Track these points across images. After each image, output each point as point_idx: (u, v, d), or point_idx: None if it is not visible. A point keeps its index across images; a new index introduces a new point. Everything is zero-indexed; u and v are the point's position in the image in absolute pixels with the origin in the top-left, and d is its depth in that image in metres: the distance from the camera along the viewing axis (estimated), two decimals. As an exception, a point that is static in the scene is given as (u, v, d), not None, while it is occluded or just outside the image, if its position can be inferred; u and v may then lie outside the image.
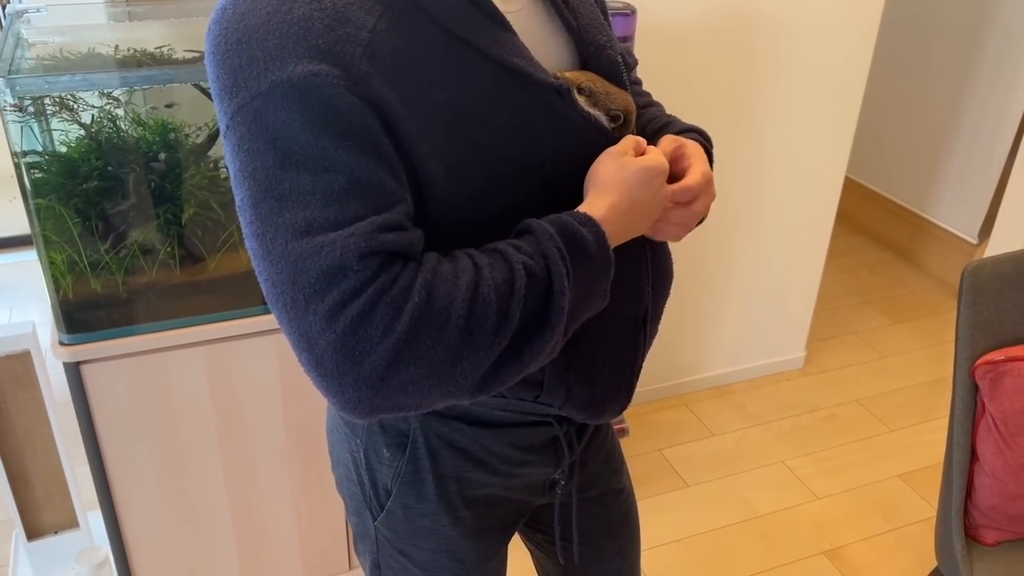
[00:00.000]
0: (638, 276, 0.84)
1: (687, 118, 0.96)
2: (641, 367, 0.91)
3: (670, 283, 0.92)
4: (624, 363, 0.87)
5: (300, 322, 0.61)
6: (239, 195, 0.64)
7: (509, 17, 0.72)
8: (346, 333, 0.59)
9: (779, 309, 2.31)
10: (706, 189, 0.79)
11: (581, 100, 0.76)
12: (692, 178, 0.78)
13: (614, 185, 0.72)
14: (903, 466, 2.06)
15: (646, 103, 0.97)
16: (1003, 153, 2.62)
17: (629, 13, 1.47)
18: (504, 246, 0.67)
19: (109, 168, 1.21)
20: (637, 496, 1.03)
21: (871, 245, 3.10)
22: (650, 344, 0.91)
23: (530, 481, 0.92)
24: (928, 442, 2.15)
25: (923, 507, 1.94)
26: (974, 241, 2.75)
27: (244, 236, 0.65)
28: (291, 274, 0.61)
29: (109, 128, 1.22)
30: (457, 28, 0.67)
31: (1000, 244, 2.62)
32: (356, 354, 0.60)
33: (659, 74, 1.80)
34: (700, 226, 0.85)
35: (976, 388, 1.31)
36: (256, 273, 0.65)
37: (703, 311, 2.20)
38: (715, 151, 2.10)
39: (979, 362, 1.29)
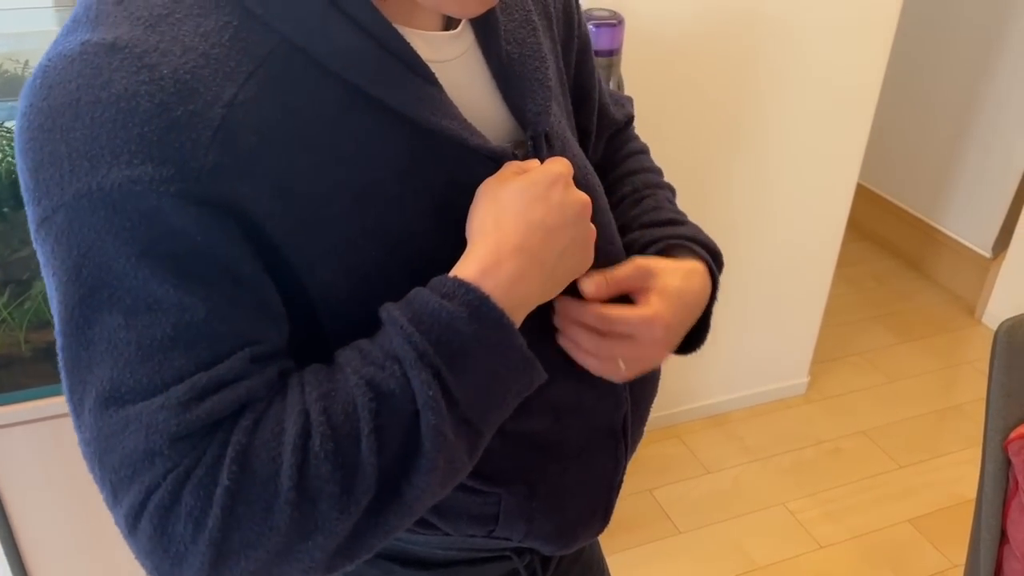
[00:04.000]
0: (610, 382, 0.68)
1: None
2: (621, 483, 0.75)
3: (656, 381, 0.76)
4: (600, 481, 0.71)
5: (114, 507, 0.47)
6: (54, 316, 0.48)
7: (437, 69, 0.55)
8: (155, 534, 0.45)
9: (781, 331, 2.15)
10: (643, 330, 0.60)
11: None
12: (626, 309, 0.60)
13: (489, 221, 0.53)
14: (913, 509, 1.91)
15: (635, 181, 0.79)
16: (1021, 161, 2.44)
17: (616, 23, 1.29)
18: (347, 356, 0.50)
19: (5, 209, 1.04)
20: (624, 544, 0.87)
21: (878, 253, 2.93)
22: (631, 454, 0.75)
23: None
24: (939, 481, 1.99)
25: (935, 558, 1.79)
26: (987, 255, 2.58)
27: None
28: (97, 451, 0.46)
29: (7, 162, 1.04)
30: (364, 83, 0.51)
31: (1018, 261, 2.46)
32: (173, 555, 0.45)
33: (652, 85, 1.62)
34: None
35: (1008, 463, 1.14)
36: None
37: (699, 334, 2.03)
38: (715, 162, 1.88)
39: (1013, 435, 1.13)
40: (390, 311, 0.50)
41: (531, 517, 0.66)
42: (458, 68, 0.59)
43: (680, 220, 0.73)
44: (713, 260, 0.70)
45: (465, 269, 0.52)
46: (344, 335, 0.52)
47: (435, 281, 0.51)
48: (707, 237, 0.72)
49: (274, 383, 0.49)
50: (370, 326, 0.52)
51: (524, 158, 0.59)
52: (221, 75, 0.46)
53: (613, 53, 1.31)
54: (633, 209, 0.76)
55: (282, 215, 0.48)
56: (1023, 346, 1.14)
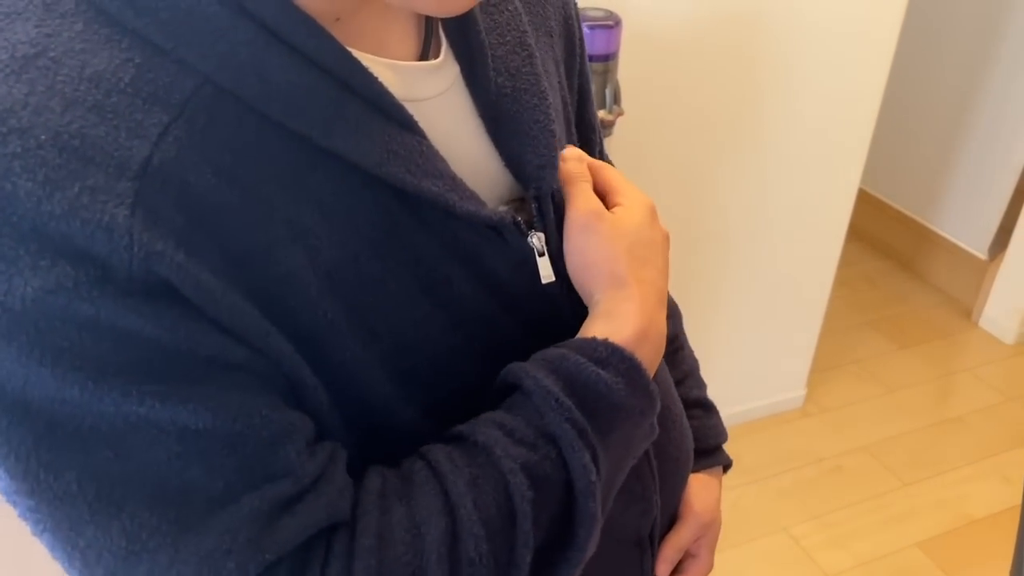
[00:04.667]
0: (640, 487, 0.56)
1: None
2: None
3: (687, 473, 0.64)
4: None
5: None
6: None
7: (415, 109, 0.43)
8: None
9: (778, 342, 2.05)
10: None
11: (537, 241, 0.48)
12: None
13: (624, 269, 0.47)
14: (921, 531, 1.82)
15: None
16: (1020, 161, 2.35)
17: (613, 25, 1.17)
18: (487, 434, 0.41)
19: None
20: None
21: (870, 253, 2.85)
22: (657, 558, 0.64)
23: None
24: (946, 500, 1.90)
25: (947, 585, 1.70)
26: (983, 257, 2.50)
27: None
28: None
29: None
30: (317, 133, 0.38)
31: (1018, 261, 2.38)
32: None
33: (649, 87, 1.50)
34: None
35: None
36: None
37: (692, 347, 1.92)
38: (712, 167, 1.77)
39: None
40: (534, 376, 0.42)
41: None
42: (439, 109, 0.47)
43: (706, 401, 0.74)
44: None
45: (617, 330, 0.45)
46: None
47: (579, 344, 0.44)
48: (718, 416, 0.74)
49: (346, 485, 0.40)
50: (339, 430, 0.42)
51: (528, 223, 0.47)
52: (125, 133, 0.34)
53: (609, 58, 1.19)
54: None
55: (229, 315, 0.36)
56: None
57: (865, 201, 2.86)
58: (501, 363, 0.45)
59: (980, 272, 2.51)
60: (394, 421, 0.43)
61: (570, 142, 0.56)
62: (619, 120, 1.32)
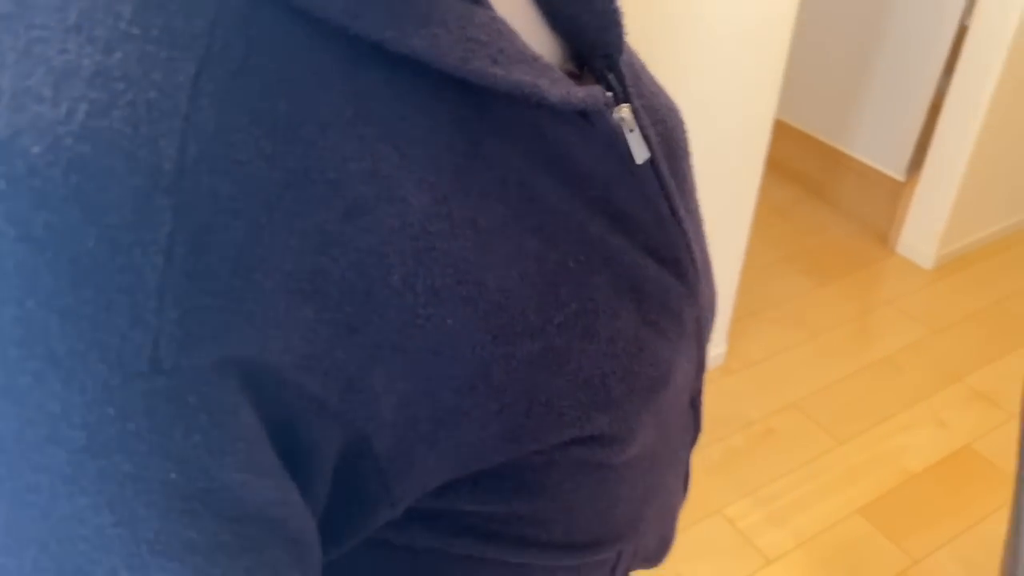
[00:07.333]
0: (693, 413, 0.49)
1: None
2: None
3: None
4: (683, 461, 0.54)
5: None
6: None
7: None
8: None
9: (694, 298, 1.84)
10: None
11: (626, 114, 0.37)
12: None
13: None
14: (861, 495, 1.67)
15: None
16: (934, 75, 2.18)
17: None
18: None
19: None
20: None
21: (774, 180, 2.66)
22: None
23: None
24: (883, 455, 1.76)
25: (894, 555, 1.56)
26: (900, 178, 2.35)
27: None
28: None
29: None
30: (393, 34, 0.26)
31: (934, 181, 2.23)
32: None
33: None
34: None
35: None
36: None
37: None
38: None
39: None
40: None
41: (637, 550, 0.50)
42: None
43: None
44: None
45: None
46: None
47: None
48: None
49: None
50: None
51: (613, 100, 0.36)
52: (145, 112, 0.19)
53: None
54: None
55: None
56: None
57: (771, 125, 2.67)
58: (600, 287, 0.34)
59: (895, 195, 2.37)
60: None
61: None
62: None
